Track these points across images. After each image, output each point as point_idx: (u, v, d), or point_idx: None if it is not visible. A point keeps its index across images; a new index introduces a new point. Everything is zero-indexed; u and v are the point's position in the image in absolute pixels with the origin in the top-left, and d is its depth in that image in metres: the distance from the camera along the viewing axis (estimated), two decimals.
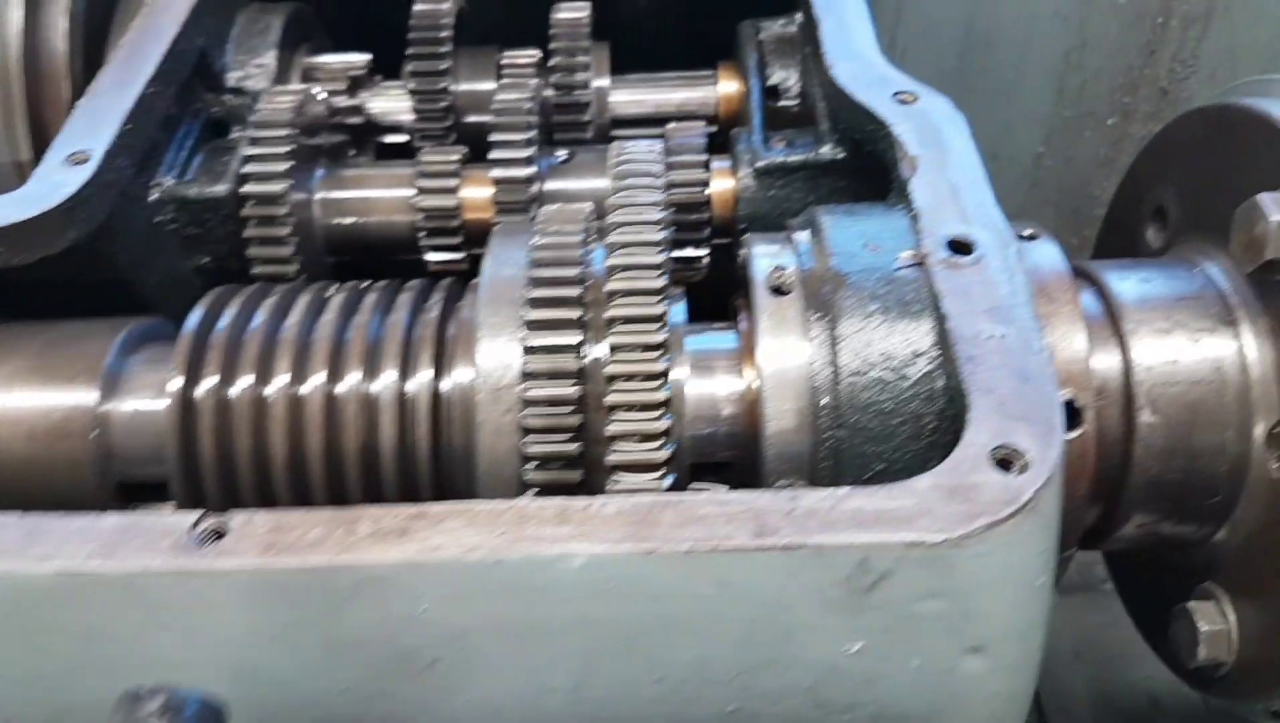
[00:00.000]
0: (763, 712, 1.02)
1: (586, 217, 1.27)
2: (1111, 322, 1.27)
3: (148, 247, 1.47)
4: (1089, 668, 2.34)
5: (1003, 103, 2.31)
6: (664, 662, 0.99)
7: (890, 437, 1.13)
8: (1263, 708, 1.35)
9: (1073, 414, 1.19)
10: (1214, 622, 1.32)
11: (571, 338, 1.12)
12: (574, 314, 1.13)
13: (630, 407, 1.07)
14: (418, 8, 1.70)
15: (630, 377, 1.07)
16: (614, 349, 1.07)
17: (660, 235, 1.12)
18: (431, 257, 1.59)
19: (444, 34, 1.66)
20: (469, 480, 1.17)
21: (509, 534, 0.95)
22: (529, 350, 1.12)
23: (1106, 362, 1.25)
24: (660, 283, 1.09)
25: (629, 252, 1.11)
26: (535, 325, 1.13)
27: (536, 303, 1.14)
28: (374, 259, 1.65)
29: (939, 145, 1.27)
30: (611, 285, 1.09)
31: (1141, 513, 1.29)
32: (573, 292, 1.14)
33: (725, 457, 1.27)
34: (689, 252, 1.58)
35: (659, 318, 1.08)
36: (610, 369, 1.07)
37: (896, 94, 1.34)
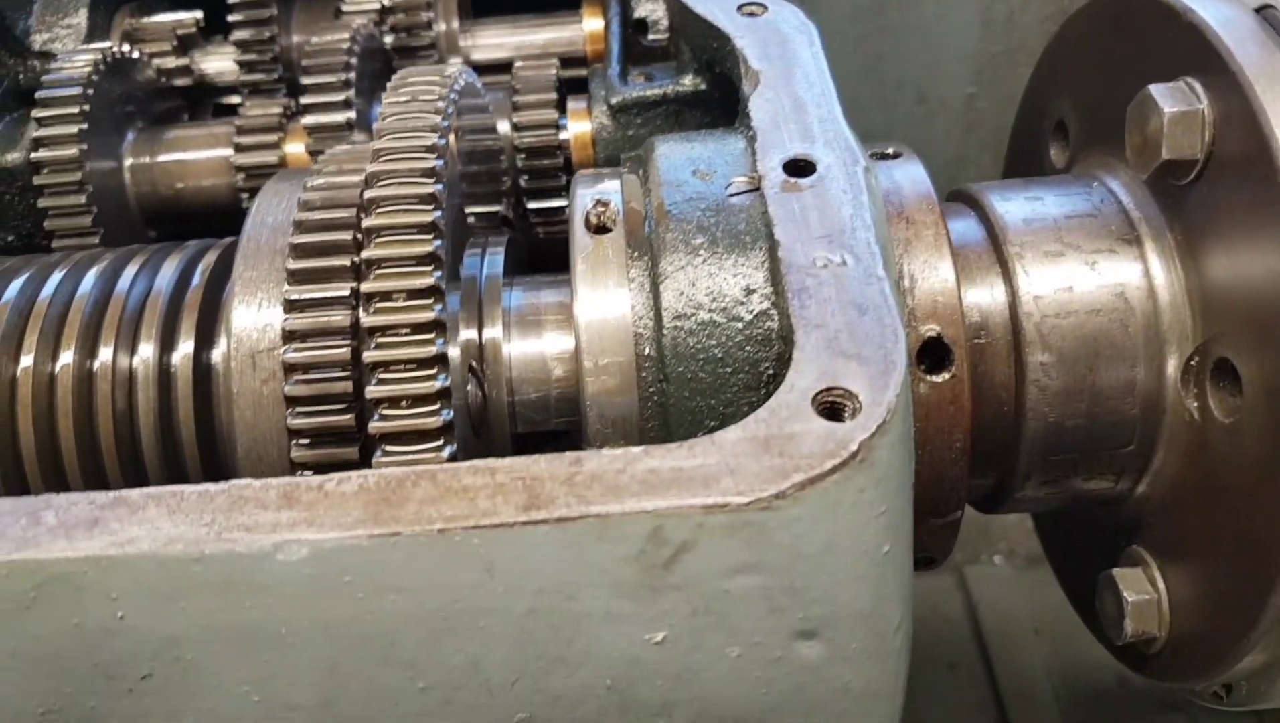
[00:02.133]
0: (559, 718, 0.84)
1: None
2: (994, 247, 1.08)
3: None
4: (1049, 645, 2.13)
5: (926, 40, 2.13)
6: (429, 668, 0.81)
7: (723, 388, 0.95)
8: (1204, 688, 1.16)
9: (940, 353, 1.00)
10: (1141, 591, 1.13)
11: (340, 289, 0.95)
12: (343, 261, 0.96)
13: (395, 364, 0.89)
14: None
15: (394, 329, 0.90)
16: (370, 297, 0.90)
17: (433, 164, 0.94)
18: None
19: None
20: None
21: (216, 524, 0.77)
22: (289, 306, 0.95)
23: (988, 294, 1.06)
24: (428, 217, 0.91)
25: (392, 181, 0.93)
26: (297, 276, 0.96)
27: (300, 251, 0.97)
28: (200, 230, 1.48)
29: (785, 58, 1.09)
30: (370, 221, 0.92)
31: (1043, 468, 1.10)
32: (343, 236, 0.97)
33: (560, 424, 1.10)
34: (546, 202, 1.42)
35: (429, 258, 0.91)
36: (369, 320, 0.89)
37: (743, 6, 1.17)
